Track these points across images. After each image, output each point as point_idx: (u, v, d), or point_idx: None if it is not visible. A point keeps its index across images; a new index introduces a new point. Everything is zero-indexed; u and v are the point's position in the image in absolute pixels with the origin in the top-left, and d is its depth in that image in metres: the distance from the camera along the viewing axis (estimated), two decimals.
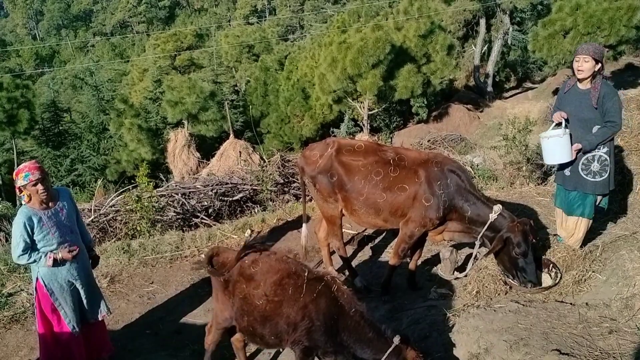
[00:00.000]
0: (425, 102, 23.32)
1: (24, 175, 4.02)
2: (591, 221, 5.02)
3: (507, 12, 25.59)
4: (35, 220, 4.09)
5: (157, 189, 8.14)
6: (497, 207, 4.74)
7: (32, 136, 25.00)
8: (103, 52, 56.90)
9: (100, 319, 4.60)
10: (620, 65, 23.87)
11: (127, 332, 5.24)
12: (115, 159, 23.83)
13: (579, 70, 4.78)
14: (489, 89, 26.36)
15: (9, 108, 21.30)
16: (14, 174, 4.12)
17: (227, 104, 23.58)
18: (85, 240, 4.56)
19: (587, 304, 3.98)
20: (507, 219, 4.69)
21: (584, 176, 4.80)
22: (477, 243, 4.91)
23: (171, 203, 7.94)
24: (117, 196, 7.95)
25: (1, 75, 26.03)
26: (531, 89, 27.37)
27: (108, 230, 7.38)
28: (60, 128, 27.49)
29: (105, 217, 7.48)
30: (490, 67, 26.56)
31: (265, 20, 56.62)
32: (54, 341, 4.38)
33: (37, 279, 4.27)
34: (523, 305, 4.11)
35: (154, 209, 7.39)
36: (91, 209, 7.60)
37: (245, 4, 66.34)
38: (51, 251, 4.16)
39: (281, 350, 4.62)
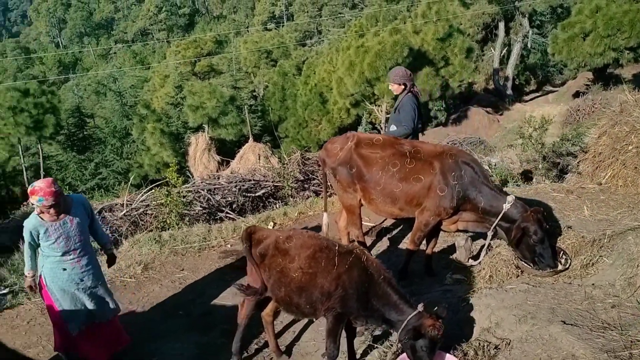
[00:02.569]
0: (444, 106, 23.51)
1: (38, 199, 4.16)
2: None
3: (527, 15, 25.67)
4: (41, 231, 4.27)
5: (184, 185, 8.56)
6: (511, 198, 4.97)
7: (57, 141, 25.63)
8: (124, 59, 57.84)
9: (109, 320, 4.72)
10: None
11: (161, 313, 5.59)
12: (138, 162, 24.35)
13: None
14: (509, 92, 26.39)
15: (35, 113, 21.82)
16: (29, 191, 4.22)
17: (246, 108, 23.99)
18: (101, 242, 4.78)
19: (593, 284, 4.22)
20: (520, 209, 4.92)
21: None
22: (490, 233, 5.16)
23: (197, 198, 8.35)
24: (147, 192, 8.41)
25: (26, 82, 26.68)
26: (551, 92, 27.34)
27: (139, 223, 7.81)
28: (85, 133, 28.19)
29: (136, 211, 7.93)
30: (509, 70, 26.62)
31: (283, 26, 57.23)
32: (62, 331, 4.58)
33: (40, 275, 4.48)
34: (533, 286, 4.37)
35: (182, 204, 7.80)
36: (123, 204, 8.06)
37: (264, 10, 67.11)
38: (56, 258, 4.36)
39: (315, 319, 4.93)
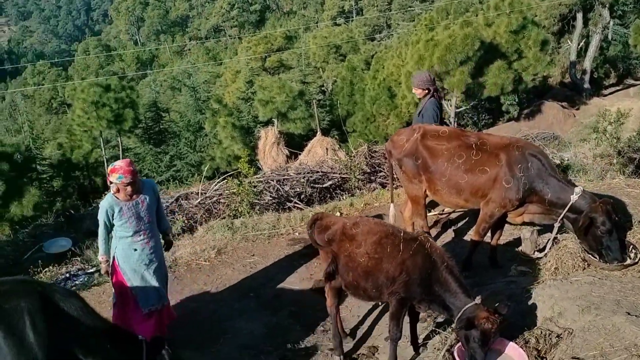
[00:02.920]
0: (517, 100, 22.84)
1: (118, 177, 4.49)
2: None
3: (607, 5, 24.43)
4: (116, 210, 4.59)
5: (255, 176, 8.95)
6: (579, 189, 4.92)
7: (135, 134, 26.82)
8: (198, 55, 59.62)
9: (163, 307, 4.94)
10: None
11: (233, 294, 5.95)
12: (210, 155, 25.11)
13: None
14: (586, 85, 25.24)
15: (115, 108, 22.89)
16: (109, 170, 4.58)
17: (315, 103, 24.25)
18: (162, 227, 5.07)
19: None
20: (588, 200, 4.86)
21: None
22: (557, 225, 5.13)
23: (267, 189, 8.72)
24: (220, 182, 8.88)
25: (108, 78, 28.10)
26: (633, 85, 26.00)
27: (213, 211, 8.28)
28: (161, 127, 29.33)
29: (210, 199, 8.40)
30: (587, 63, 25.47)
31: (352, 20, 57.26)
32: (123, 314, 4.87)
33: (114, 257, 4.79)
34: (599, 278, 4.34)
35: (253, 193, 8.20)
36: (198, 193, 8.56)
37: (333, 6, 67.39)
38: (127, 239, 4.69)
39: (380, 303, 5.12)
